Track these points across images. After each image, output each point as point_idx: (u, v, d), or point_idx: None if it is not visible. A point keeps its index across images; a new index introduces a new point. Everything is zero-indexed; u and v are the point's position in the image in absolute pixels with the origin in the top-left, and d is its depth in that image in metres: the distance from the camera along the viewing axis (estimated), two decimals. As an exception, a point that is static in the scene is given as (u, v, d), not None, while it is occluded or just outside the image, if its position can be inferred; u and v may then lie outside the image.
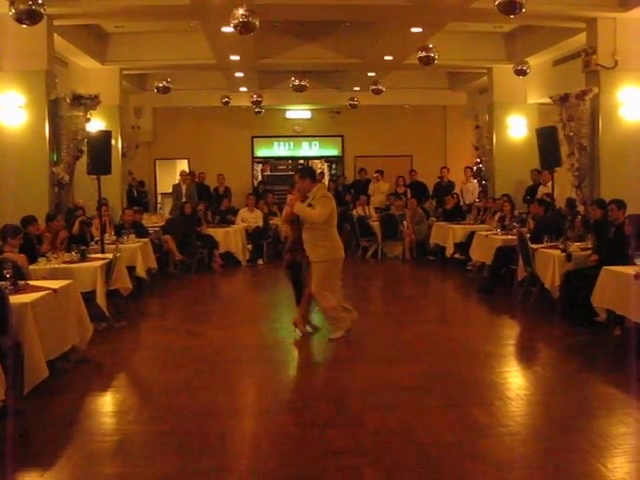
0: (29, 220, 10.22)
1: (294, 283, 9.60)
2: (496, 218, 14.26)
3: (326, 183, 21.87)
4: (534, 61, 15.53)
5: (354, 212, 18.10)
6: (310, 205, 8.83)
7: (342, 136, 24.34)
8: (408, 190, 19.16)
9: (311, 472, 5.17)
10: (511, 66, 15.34)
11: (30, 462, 5.43)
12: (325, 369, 8.06)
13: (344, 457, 5.39)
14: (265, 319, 10.89)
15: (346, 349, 8.71)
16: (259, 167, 24.91)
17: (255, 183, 24.02)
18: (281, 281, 14.27)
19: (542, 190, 14.93)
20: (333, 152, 24.80)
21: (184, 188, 18.41)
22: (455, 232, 14.88)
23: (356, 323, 9.19)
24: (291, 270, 9.52)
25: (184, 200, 17.37)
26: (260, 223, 16.91)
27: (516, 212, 14.36)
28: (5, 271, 7.52)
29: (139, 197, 19.81)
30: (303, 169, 10.21)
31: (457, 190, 18.55)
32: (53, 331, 7.42)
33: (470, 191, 18.26)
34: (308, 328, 9.42)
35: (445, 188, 18.61)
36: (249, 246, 16.53)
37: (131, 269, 11.47)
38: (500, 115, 17.62)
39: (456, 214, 16.34)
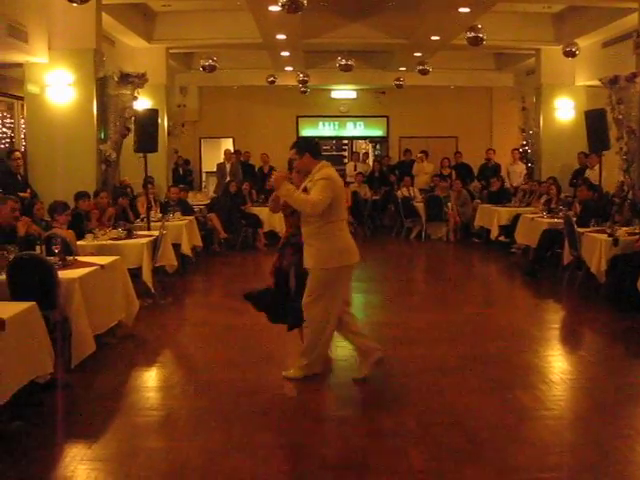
0: (82, 195, 10.51)
1: (273, 295, 7.13)
2: (542, 201, 14.13)
3: (370, 164, 21.83)
4: (583, 42, 15.30)
5: (398, 193, 18.05)
6: (306, 190, 6.60)
7: (387, 116, 24.18)
8: (453, 172, 19.08)
9: (354, 451, 5.19)
10: (560, 47, 15.14)
11: (78, 434, 5.54)
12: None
13: (387, 437, 5.41)
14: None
15: (390, 330, 8.71)
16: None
17: (299, 163, 23.98)
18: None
19: (589, 174, 14.75)
20: (378, 132, 24.66)
21: (228, 167, 18.47)
22: (500, 214, 14.76)
23: (379, 360, 6.72)
24: (275, 279, 7.15)
25: (228, 179, 17.43)
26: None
27: (562, 195, 14.22)
28: (54, 247, 7.64)
29: (184, 175, 19.89)
30: (301, 141, 7.14)
31: (503, 172, 18.40)
32: (100, 306, 7.53)
33: (517, 173, 18.07)
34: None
35: (491, 170, 18.46)
36: (293, 225, 16.54)
37: (176, 246, 11.54)
38: (548, 97, 17.40)
39: (501, 196, 16.20)
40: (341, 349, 7.61)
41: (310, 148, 6.88)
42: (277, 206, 7.13)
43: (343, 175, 19.11)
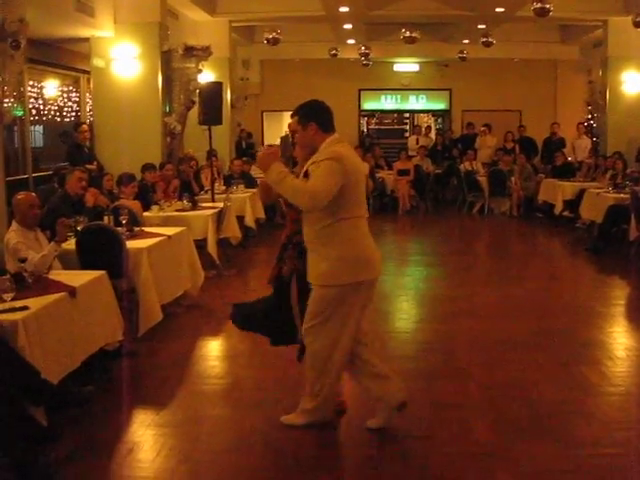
0: (148, 167, 10.74)
1: (275, 313, 5.38)
2: (607, 176, 13.90)
3: (433, 137, 21.64)
4: (654, 13, 14.92)
5: (461, 167, 17.90)
6: (307, 174, 4.76)
7: (450, 89, 23.99)
8: (516, 145, 18.86)
9: (418, 423, 5.22)
10: (629, 18, 14.75)
11: (146, 401, 5.69)
12: (433, 322, 8.05)
13: (451, 409, 5.43)
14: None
15: (453, 303, 8.71)
16: (365, 120, 24.86)
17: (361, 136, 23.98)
18: (385, 232, 14.36)
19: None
20: (440, 106, 24.47)
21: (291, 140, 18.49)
22: (564, 189, 14.54)
23: (401, 394, 5.05)
24: (275, 290, 5.43)
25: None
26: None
27: (628, 170, 13.96)
28: (121, 217, 7.78)
29: (247, 148, 19.99)
30: (305, 107, 4.96)
31: (568, 146, 18.13)
32: (167, 276, 7.65)
33: (582, 148, 17.77)
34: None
35: (555, 144, 18.19)
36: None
37: (240, 219, 11.63)
38: (615, 70, 16.98)
39: (566, 171, 15.97)
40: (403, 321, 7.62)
41: (317, 117, 4.89)
42: (268, 195, 5.34)
43: (405, 148, 19.03)
